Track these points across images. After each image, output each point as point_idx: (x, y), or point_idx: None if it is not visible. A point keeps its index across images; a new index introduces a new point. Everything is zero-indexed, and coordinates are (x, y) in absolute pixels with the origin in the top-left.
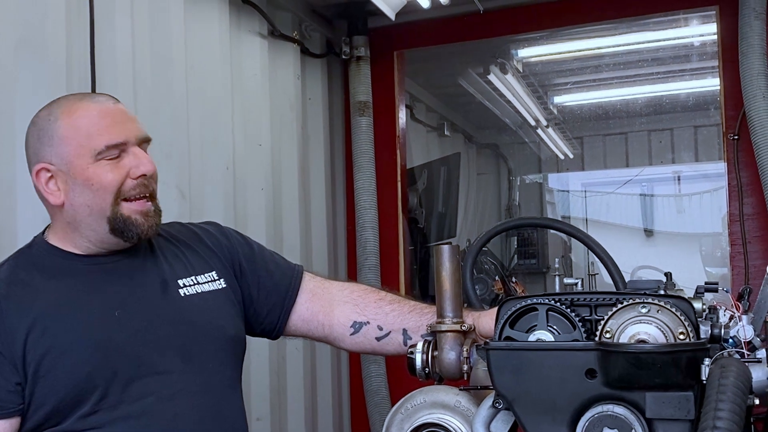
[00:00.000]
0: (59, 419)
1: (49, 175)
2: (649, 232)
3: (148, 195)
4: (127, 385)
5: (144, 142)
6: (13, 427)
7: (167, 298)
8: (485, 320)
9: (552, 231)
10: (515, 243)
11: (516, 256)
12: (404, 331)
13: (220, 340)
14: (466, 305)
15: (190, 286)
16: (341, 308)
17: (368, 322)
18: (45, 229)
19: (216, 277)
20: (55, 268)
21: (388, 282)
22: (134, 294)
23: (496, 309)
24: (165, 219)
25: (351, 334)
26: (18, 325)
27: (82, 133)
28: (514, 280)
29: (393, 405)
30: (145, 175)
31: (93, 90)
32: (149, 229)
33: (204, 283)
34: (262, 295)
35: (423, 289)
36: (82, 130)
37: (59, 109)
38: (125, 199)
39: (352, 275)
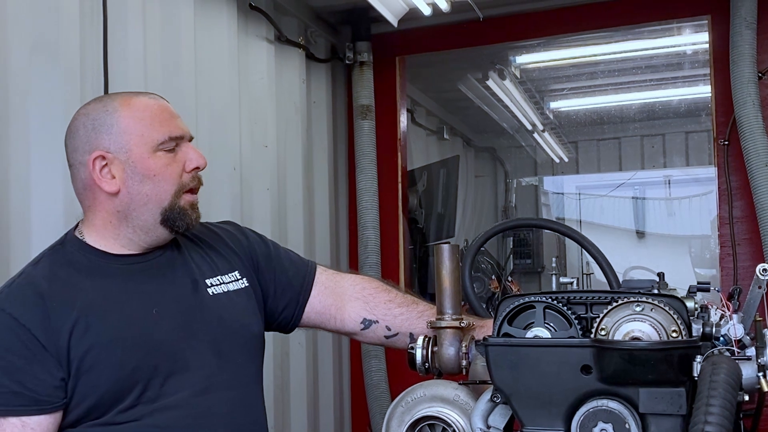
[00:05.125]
0: (99, 413)
1: (104, 162)
2: (640, 234)
3: (197, 189)
4: (165, 380)
5: (191, 139)
6: (57, 421)
7: (198, 297)
8: (481, 332)
9: (547, 232)
10: (511, 243)
11: (512, 256)
12: (411, 335)
13: (246, 337)
14: (464, 303)
15: (217, 285)
16: (352, 304)
17: (377, 321)
18: (76, 225)
19: (239, 277)
20: (91, 268)
21: (388, 280)
22: (168, 292)
23: (491, 323)
24: None
25: (361, 329)
26: (62, 321)
27: (144, 124)
28: (509, 279)
29: (392, 399)
30: (197, 168)
31: (105, 91)
32: (195, 220)
33: (229, 282)
34: (278, 291)
35: (422, 287)
36: (145, 121)
37: (115, 101)
38: (185, 191)
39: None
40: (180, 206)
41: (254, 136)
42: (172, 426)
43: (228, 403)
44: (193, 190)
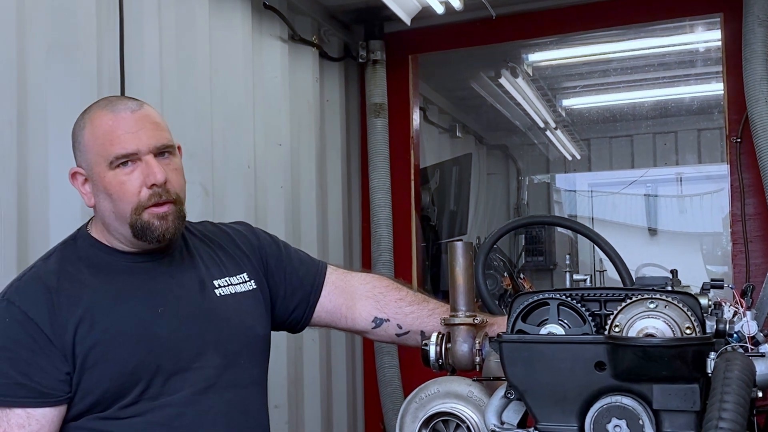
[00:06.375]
0: (102, 408)
1: (83, 178)
2: (652, 231)
3: (165, 201)
4: (167, 378)
5: (163, 150)
6: (61, 414)
7: (204, 298)
8: (494, 329)
9: (559, 229)
10: (523, 240)
11: (524, 253)
12: (422, 333)
13: (251, 339)
14: (477, 300)
15: (224, 286)
16: (363, 303)
17: (388, 320)
18: (89, 221)
19: (247, 279)
20: (101, 264)
21: (400, 277)
22: (175, 292)
23: (504, 320)
24: (189, 215)
25: (372, 328)
26: (68, 317)
27: (98, 143)
28: (521, 276)
29: (405, 395)
30: (155, 184)
31: (122, 91)
32: (165, 231)
33: (237, 284)
34: (288, 292)
35: (434, 284)
36: (99, 139)
37: (87, 116)
38: (145, 207)
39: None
40: (143, 221)
41: (268, 134)
42: (172, 423)
43: (228, 404)
44: (159, 205)
